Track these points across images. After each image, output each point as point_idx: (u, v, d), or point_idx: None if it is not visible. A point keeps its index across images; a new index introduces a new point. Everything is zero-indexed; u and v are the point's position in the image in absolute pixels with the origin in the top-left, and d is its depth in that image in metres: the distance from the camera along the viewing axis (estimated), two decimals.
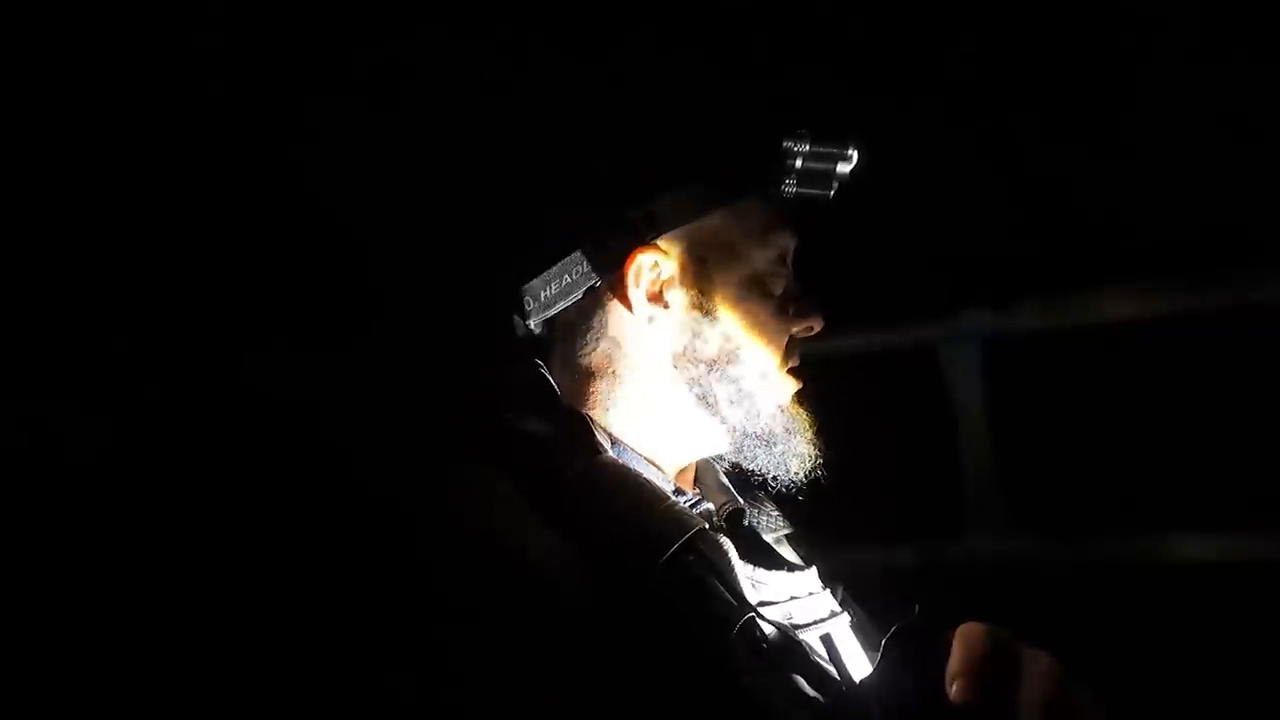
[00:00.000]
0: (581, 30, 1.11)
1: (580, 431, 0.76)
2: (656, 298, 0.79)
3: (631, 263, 0.78)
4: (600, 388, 0.81)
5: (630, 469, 0.74)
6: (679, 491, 0.79)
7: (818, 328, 0.85)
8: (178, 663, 0.83)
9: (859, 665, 0.73)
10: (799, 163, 0.80)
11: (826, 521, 0.88)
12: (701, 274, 0.80)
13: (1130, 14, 1.21)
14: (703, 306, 0.80)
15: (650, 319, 0.79)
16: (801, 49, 1.23)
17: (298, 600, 0.68)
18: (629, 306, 0.79)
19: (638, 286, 0.79)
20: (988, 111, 1.29)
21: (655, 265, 0.79)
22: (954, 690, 0.55)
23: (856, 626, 0.79)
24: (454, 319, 1.01)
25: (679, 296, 0.80)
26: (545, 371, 0.81)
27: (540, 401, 0.79)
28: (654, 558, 0.66)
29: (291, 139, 1.13)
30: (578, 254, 0.80)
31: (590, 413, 0.80)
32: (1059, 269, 1.30)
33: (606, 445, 0.77)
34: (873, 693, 0.63)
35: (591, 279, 0.80)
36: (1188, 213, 1.26)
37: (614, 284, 0.80)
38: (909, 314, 1.39)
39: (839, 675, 0.69)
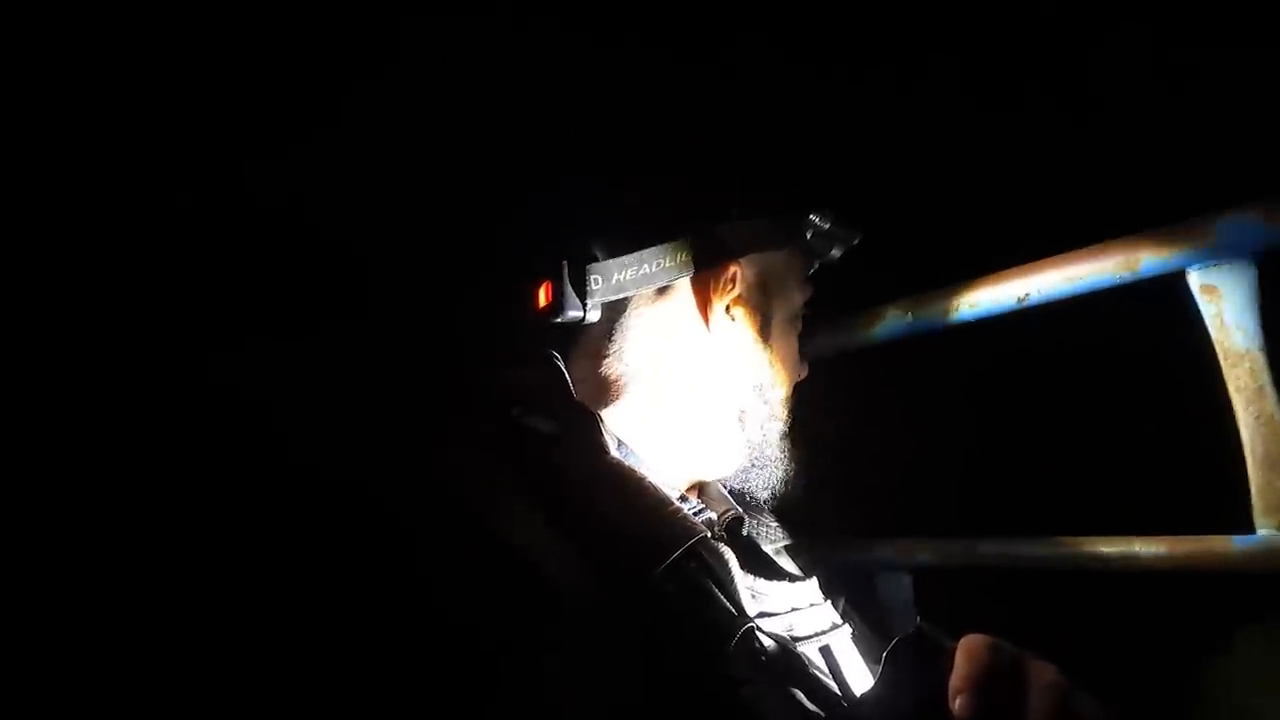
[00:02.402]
0: (709, 53, 1.10)
1: (588, 430, 0.75)
2: (726, 311, 0.84)
3: (725, 271, 0.83)
4: (633, 385, 0.81)
5: (636, 472, 0.74)
6: (683, 498, 0.79)
7: (803, 375, 0.93)
8: (181, 668, 0.78)
9: (860, 679, 0.74)
10: (808, 235, 0.87)
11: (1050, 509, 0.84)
12: (764, 301, 0.86)
13: None
14: (761, 330, 0.86)
15: (718, 328, 0.83)
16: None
17: (294, 601, 0.66)
18: (705, 311, 0.83)
19: (719, 296, 0.83)
20: None
21: (734, 280, 0.83)
22: (957, 705, 0.54)
23: (858, 638, 0.80)
24: (464, 311, 0.96)
25: (744, 315, 0.85)
26: (560, 365, 0.80)
27: (551, 397, 0.77)
28: (655, 562, 0.66)
29: (321, 121, 1.08)
30: (669, 246, 0.80)
31: (605, 411, 0.79)
32: None
33: (613, 446, 0.76)
34: (873, 707, 0.61)
35: (678, 275, 0.81)
36: None
37: (699, 286, 0.83)
38: (1139, 225, 0.98)
39: (839, 689, 0.70)
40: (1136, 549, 1.05)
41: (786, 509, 0.89)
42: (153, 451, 0.96)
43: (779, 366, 0.86)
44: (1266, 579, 0.96)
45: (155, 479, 0.94)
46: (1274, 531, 0.95)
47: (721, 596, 0.67)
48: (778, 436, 0.87)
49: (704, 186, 0.84)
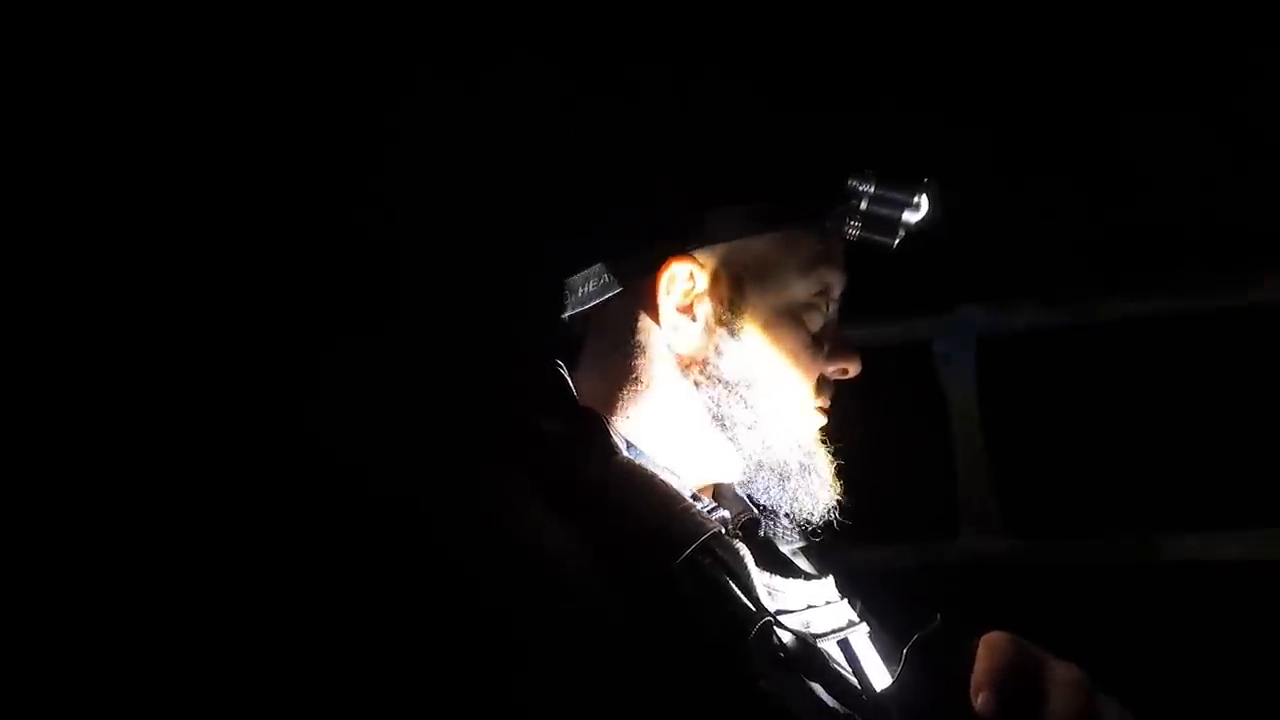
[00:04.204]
0: (647, 38, 1.10)
1: (596, 432, 0.75)
2: (686, 309, 0.78)
3: (665, 270, 0.77)
4: (622, 392, 0.79)
5: (646, 470, 0.74)
6: (695, 497, 0.78)
7: (853, 371, 0.84)
8: (195, 673, 0.83)
9: (878, 675, 0.72)
10: (864, 204, 0.77)
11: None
12: (734, 291, 0.79)
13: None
14: (729, 324, 0.78)
15: (676, 329, 0.78)
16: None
17: (308, 600, 0.67)
18: (656, 314, 0.78)
19: (668, 295, 0.78)
20: (988, 108, 1.28)
21: (690, 276, 0.78)
22: (979, 701, 0.54)
23: (875, 637, 0.78)
24: (474, 317, 1.00)
25: (708, 311, 0.79)
26: (564, 371, 0.80)
27: (556, 401, 0.78)
28: (669, 559, 0.65)
29: (315, 137, 1.11)
30: (618, 252, 0.79)
31: (609, 416, 0.79)
32: (1056, 265, 1.28)
33: (622, 447, 0.76)
34: (894, 702, 0.62)
35: (620, 283, 0.79)
36: (1189, 209, 1.24)
37: (645, 289, 0.79)
38: (901, 309, 1.36)
39: (858, 684, 0.68)
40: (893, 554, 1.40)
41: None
42: (179, 443, 0.98)
43: (771, 362, 0.79)
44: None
45: (171, 466, 0.96)
46: (972, 534, 1.32)
47: (738, 592, 0.66)
48: (785, 442, 0.80)
49: (660, 183, 0.80)
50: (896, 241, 0.79)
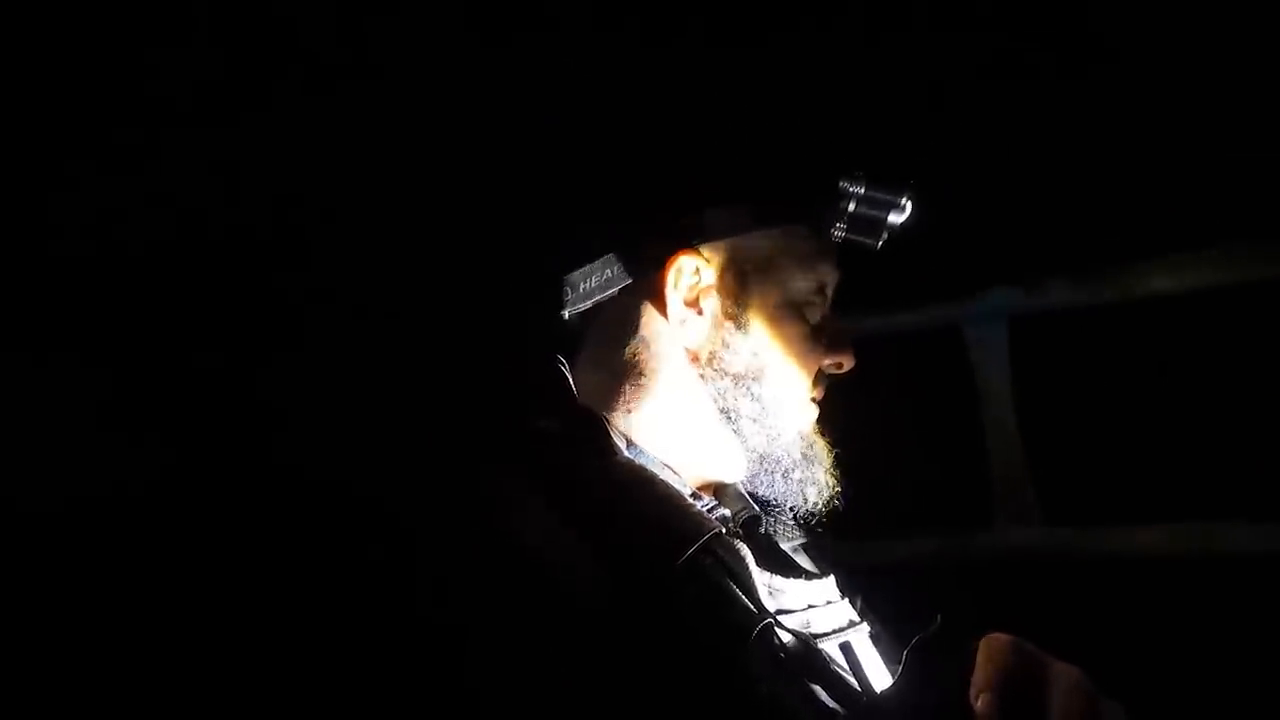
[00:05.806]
0: (653, 29, 1.10)
1: (595, 432, 0.76)
2: (693, 303, 0.79)
3: (672, 264, 0.79)
4: (625, 389, 0.80)
5: (646, 470, 0.74)
6: (695, 496, 0.78)
7: (847, 365, 0.85)
8: (193, 675, 0.83)
9: (879, 676, 0.72)
10: (852, 206, 0.79)
11: (845, 513, 0.85)
12: (741, 287, 0.80)
13: None
14: (737, 318, 0.80)
15: (683, 323, 0.79)
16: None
17: (308, 601, 0.67)
18: (664, 308, 0.79)
19: (675, 289, 0.79)
20: (1013, 79, 1.22)
21: (696, 271, 0.79)
22: (979, 705, 0.53)
23: (875, 637, 0.78)
24: (473, 313, 0.98)
25: (715, 305, 0.80)
26: (565, 369, 0.80)
27: (555, 400, 0.78)
28: (670, 559, 0.65)
29: (306, 125, 1.09)
30: (620, 247, 0.80)
31: (609, 414, 0.79)
32: (1089, 242, 1.22)
33: (622, 446, 0.76)
34: (894, 705, 0.61)
35: (627, 277, 0.79)
36: (1227, 181, 1.18)
37: (652, 284, 0.79)
38: (931, 292, 1.30)
39: (859, 686, 0.68)
40: (913, 545, 1.35)
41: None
42: (175, 443, 0.98)
43: (776, 356, 0.80)
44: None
45: (167, 467, 0.96)
46: (1008, 524, 1.27)
47: (739, 592, 0.66)
48: (790, 434, 0.81)
49: (665, 179, 0.80)
50: (880, 243, 0.80)
